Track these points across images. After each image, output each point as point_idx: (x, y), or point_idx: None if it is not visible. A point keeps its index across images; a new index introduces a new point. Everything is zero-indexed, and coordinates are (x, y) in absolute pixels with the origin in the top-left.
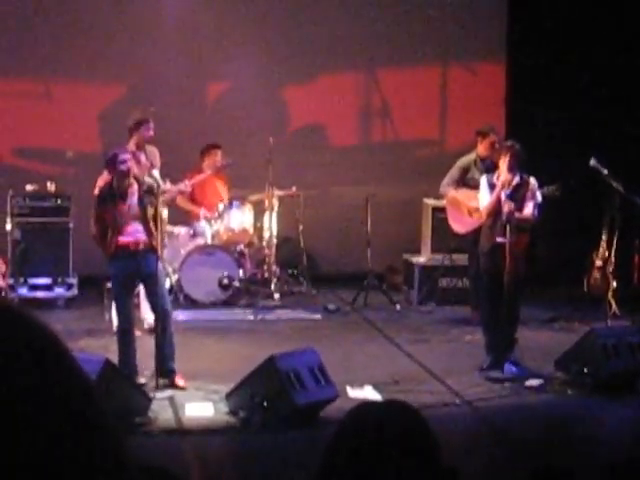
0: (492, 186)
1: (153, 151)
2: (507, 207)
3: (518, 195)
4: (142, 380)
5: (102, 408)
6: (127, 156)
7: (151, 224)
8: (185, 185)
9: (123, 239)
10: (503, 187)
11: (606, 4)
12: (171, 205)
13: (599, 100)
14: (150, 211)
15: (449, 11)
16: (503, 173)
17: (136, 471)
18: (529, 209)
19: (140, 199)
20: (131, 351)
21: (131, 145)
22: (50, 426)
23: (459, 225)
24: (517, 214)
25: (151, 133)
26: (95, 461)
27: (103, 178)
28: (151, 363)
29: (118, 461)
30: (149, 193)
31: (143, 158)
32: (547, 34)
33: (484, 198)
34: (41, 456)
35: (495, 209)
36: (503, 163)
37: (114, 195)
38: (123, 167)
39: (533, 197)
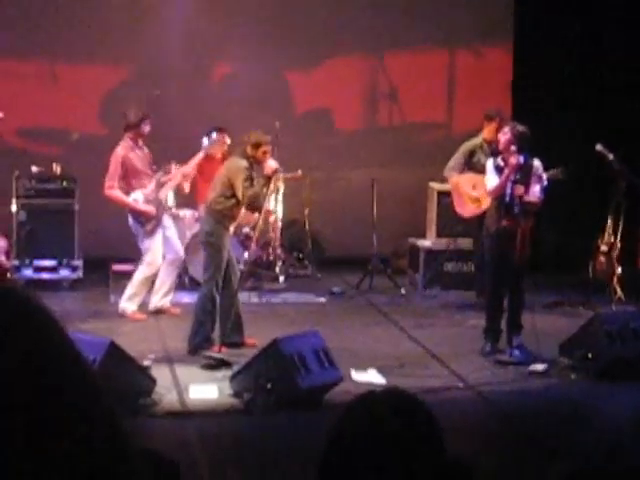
0: (498, 169)
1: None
2: (517, 191)
3: (522, 177)
4: (147, 362)
5: (101, 391)
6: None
7: None
8: (188, 167)
9: None
10: (513, 170)
11: None
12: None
13: (607, 85)
14: None
15: None
16: (512, 155)
17: (138, 454)
18: (535, 192)
19: None
20: None
21: (131, 143)
22: (45, 409)
23: (462, 210)
24: (525, 197)
25: (149, 128)
26: (95, 444)
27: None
28: (156, 346)
29: (118, 444)
30: None
31: (144, 152)
32: (554, 17)
33: (491, 181)
34: (39, 439)
35: (502, 191)
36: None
37: None
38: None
39: (539, 180)
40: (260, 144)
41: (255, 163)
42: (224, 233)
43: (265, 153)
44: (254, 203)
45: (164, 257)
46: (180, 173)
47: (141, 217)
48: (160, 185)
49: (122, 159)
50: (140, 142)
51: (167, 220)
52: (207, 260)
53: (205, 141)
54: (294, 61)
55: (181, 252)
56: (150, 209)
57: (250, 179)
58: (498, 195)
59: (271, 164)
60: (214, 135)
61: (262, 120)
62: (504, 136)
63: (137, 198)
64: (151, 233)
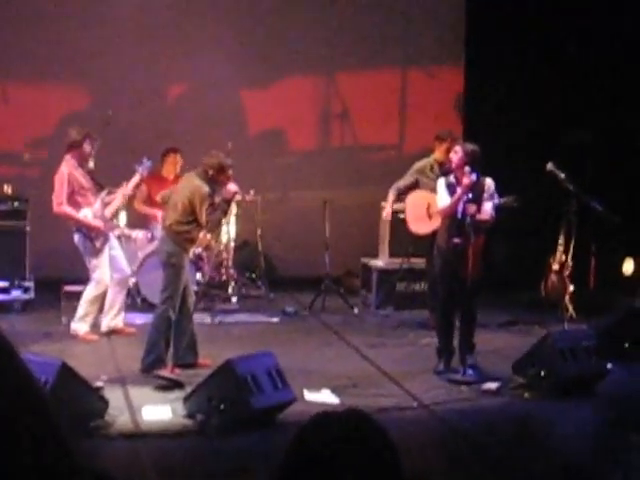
0: (449, 187)
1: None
2: (470, 210)
3: (474, 196)
4: (99, 384)
5: (52, 412)
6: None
7: None
8: (127, 189)
9: None
10: (466, 190)
11: (564, 8)
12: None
13: (560, 104)
14: None
15: (408, 16)
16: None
17: (89, 475)
18: (487, 210)
19: None
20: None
21: (74, 162)
22: None
23: (417, 227)
24: (477, 216)
25: (91, 148)
26: (43, 464)
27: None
28: (109, 367)
29: (67, 464)
30: None
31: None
32: (506, 38)
33: (443, 200)
34: None
35: (454, 210)
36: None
37: None
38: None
39: (491, 198)
40: (225, 168)
41: (216, 186)
42: (184, 255)
43: (229, 178)
44: (215, 228)
45: (111, 276)
46: (121, 194)
47: (91, 233)
48: (105, 204)
49: (68, 176)
50: (91, 163)
51: (113, 239)
52: (166, 280)
53: (145, 163)
54: (247, 82)
55: (128, 271)
56: (100, 224)
57: (212, 205)
58: (450, 214)
59: (231, 187)
60: (145, 161)
61: (215, 140)
62: (456, 155)
63: (86, 214)
64: (99, 250)
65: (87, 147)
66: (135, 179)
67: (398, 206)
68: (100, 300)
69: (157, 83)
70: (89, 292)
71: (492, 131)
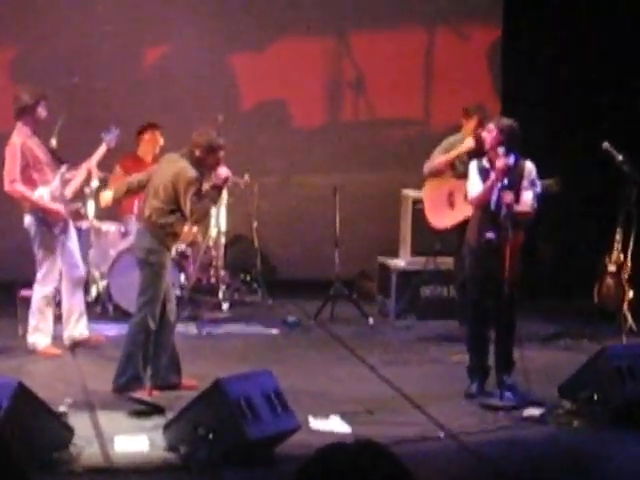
0: (483, 172)
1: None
2: (506, 198)
3: (511, 182)
4: (63, 408)
5: (7, 442)
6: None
7: None
8: (91, 162)
9: None
10: (502, 174)
11: None
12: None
13: (613, 72)
14: None
15: None
16: (500, 157)
17: None
18: (527, 200)
19: None
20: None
21: (27, 130)
22: None
23: (437, 220)
24: (514, 206)
25: (46, 112)
26: None
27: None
28: (74, 388)
29: None
30: None
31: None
32: None
33: (475, 186)
34: None
35: (487, 200)
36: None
37: None
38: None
39: (532, 186)
40: (215, 149)
41: (204, 170)
42: (166, 252)
43: (219, 160)
44: (203, 220)
45: (60, 273)
46: (84, 169)
47: (48, 217)
48: (65, 182)
49: (20, 147)
50: (53, 141)
51: (71, 227)
52: (144, 283)
53: (113, 132)
54: (241, 44)
55: (81, 268)
56: (60, 207)
57: (199, 192)
58: (482, 203)
59: (222, 172)
60: (113, 129)
61: (202, 114)
62: (490, 134)
63: (42, 194)
64: (55, 238)
65: (42, 111)
66: (101, 150)
67: (418, 194)
68: (52, 302)
69: (133, 46)
70: (38, 292)
71: (534, 104)
